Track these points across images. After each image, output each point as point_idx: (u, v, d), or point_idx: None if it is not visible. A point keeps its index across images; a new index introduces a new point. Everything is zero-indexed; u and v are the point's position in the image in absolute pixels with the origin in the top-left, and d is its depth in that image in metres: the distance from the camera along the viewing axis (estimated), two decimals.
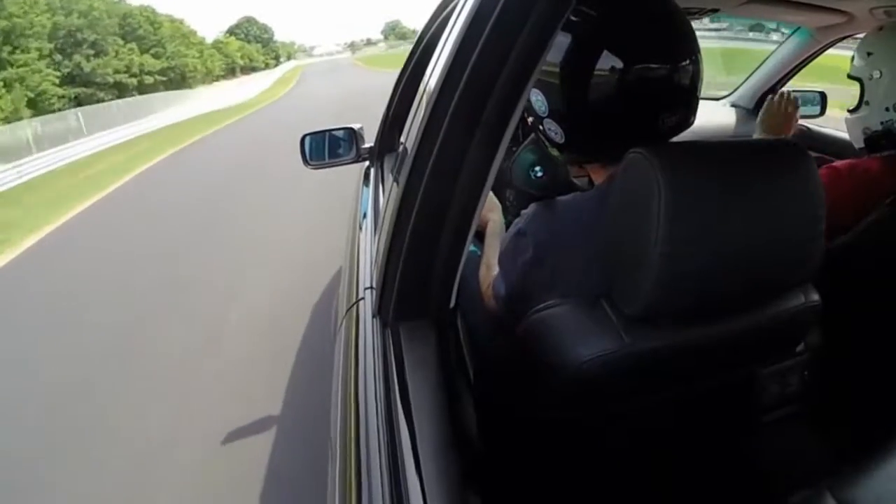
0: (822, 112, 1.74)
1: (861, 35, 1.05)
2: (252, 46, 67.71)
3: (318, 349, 2.04)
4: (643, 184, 0.50)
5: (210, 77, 44.28)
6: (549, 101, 0.62)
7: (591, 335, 0.55)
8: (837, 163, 0.99)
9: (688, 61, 0.58)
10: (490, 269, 0.81)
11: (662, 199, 0.48)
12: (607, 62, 0.56)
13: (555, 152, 0.67)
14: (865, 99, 0.99)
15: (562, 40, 0.58)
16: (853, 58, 1.01)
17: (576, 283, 0.60)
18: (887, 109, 0.95)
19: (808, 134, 1.71)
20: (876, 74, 0.96)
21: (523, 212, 0.66)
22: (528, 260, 0.63)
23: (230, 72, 52.77)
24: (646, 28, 0.58)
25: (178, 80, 37.61)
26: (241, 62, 57.38)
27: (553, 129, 0.63)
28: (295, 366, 2.09)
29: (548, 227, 0.63)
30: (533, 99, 0.63)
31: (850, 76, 1.01)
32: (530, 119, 0.67)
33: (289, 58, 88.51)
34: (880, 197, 0.91)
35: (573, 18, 0.57)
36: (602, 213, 0.58)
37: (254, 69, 57.91)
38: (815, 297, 0.62)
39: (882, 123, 0.96)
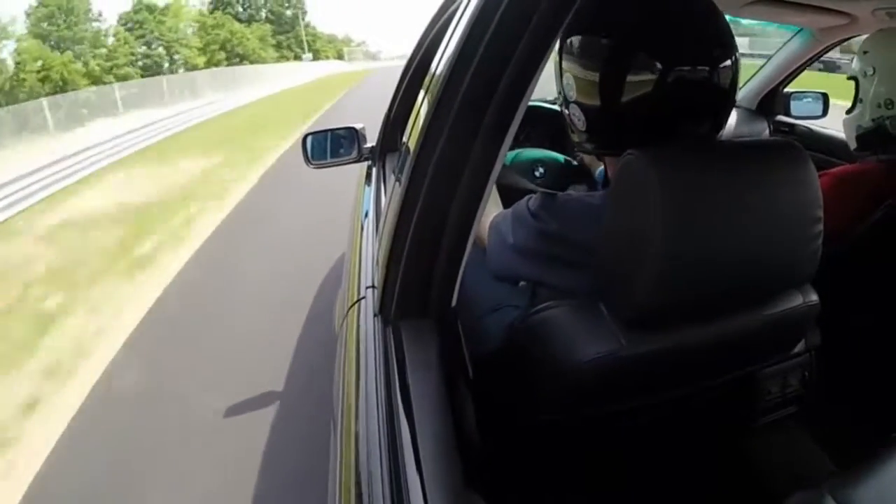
0: (825, 113, 1.74)
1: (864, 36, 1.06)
2: (253, 28, 40.36)
3: None
4: (638, 186, 0.50)
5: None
6: (577, 88, 0.60)
7: (589, 338, 0.55)
8: (834, 169, 1.00)
9: (728, 63, 0.56)
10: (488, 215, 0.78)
11: (658, 201, 0.48)
12: (644, 65, 0.54)
13: (575, 138, 0.66)
14: (860, 97, 1.00)
15: (598, 40, 0.57)
16: (853, 59, 1.01)
17: (567, 279, 0.61)
18: (879, 106, 0.95)
19: (810, 135, 1.71)
20: (869, 71, 0.97)
21: (532, 196, 0.66)
22: (529, 248, 0.63)
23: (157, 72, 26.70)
24: (685, 30, 0.56)
25: None
26: (200, 59, 30.88)
27: (577, 115, 0.62)
28: None
29: (555, 219, 0.62)
30: (564, 82, 0.62)
31: (849, 77, 1.01)
32: (559, 101, 0.66)
33: (339, 57, 52.68)
34: (878, 201, 0.92)
35: (610, 17, 0.56)
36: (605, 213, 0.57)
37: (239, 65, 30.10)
38: (814, 297, 0.62)
39: (873, 120, 0.96)
